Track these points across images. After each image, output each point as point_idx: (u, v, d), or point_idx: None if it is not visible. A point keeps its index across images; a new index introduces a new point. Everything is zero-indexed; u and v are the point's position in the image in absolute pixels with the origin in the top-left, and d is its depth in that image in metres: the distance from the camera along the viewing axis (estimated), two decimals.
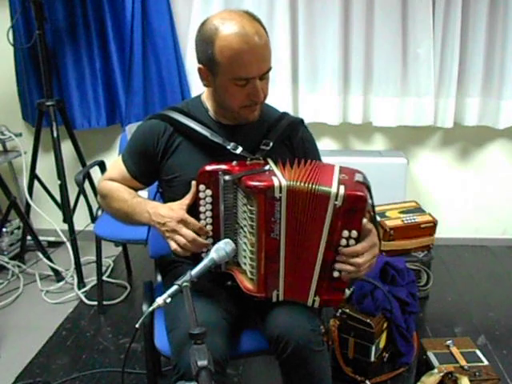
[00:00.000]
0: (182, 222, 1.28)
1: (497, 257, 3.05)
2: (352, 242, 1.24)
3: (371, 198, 1.29)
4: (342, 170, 1.32)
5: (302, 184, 1.23)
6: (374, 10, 2.69)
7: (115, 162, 1.52)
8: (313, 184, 1.23)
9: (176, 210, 1.30)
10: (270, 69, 1.31)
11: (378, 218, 2.44)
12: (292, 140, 1.46)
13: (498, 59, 2.72)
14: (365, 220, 1.24)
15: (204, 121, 1.40)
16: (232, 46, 1.23)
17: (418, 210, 2.61)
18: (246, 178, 1.25)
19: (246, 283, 1.30)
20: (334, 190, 1.21)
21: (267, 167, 1.32)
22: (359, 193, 1.21)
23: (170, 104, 1.53)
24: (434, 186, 3.08)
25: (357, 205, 1.21)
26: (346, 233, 1.23)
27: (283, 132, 1.43)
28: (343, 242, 1.24)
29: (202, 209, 1.31)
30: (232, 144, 1.37)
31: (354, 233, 1.23)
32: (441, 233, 2.61)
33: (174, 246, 1.29)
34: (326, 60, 2.80)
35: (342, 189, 1.21)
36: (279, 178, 1.24)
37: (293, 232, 1.26)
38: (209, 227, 1.32)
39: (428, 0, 2.65)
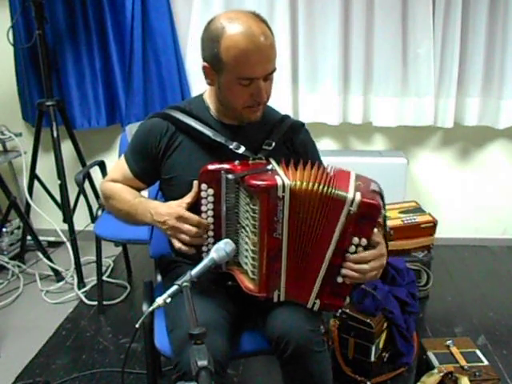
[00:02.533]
0: (181, 218, 1.28)
1: (497, 257, 3.05)
2: (360, 249, 1.24)
3: (384, 208, 1.29)
4: (358, 177, 1.31)
5: (310, 185, 1.23)
6: (374, 9, 2.69)
7: (118, 163, 1.52)
8: (326, 186, 1.22)
9: (174, 207, 1.30)
10: (274, 69, 1.32)
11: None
12: (294, 142, 1.47)
13: (498, 59, 2.72)
14: (375, 230, 1.24)
15: (206, 120, 1.40)
16: (238, 45, 1.23)
17: (418, 209, 2.61)
18: (248, 178, 1.25)
19: (247, 283, 1.30)
20: (350, 195, 1.20)
21: (270, 167, 1.32)
22: (374, 201, 1.21)
23: (170, 104, 1.52)
24: (434, 186, 3.08)
25: (371, 213, 1.21)
26: (356, 240, 1.23)
27: (285, 133, 1.44)
28: (352, 248, 1.24)
29: (203, 208, 1.31)
30: (234, 143, 1.37)
31: (364, 241, 1.23)
32: (441, 233, 2.61)
33: (177, 244, 1.30)
34: (326, 60, 2.80)
35: (358, 195, 1.20)
36: (282, 178, 1.24)
37: (296, 232, 1.26)
38: (210, 227, 1.32)
39: (428, 0, 2.65)
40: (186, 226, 1.28)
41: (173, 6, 2.81)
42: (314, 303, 1.30)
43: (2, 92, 3.01)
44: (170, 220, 1.29)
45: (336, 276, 1.26)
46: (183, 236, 1.28)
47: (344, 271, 1.25)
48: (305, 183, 1.23)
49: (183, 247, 1.29)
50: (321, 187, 1.22)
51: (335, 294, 1.29)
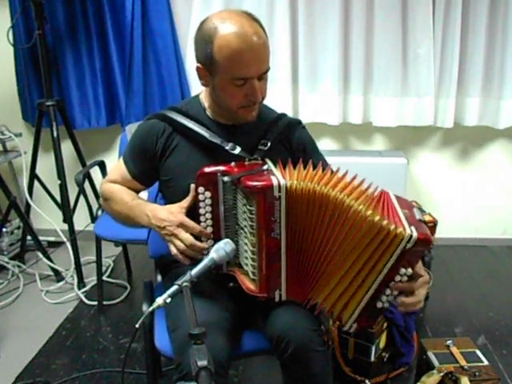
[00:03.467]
0: (182, 226, 1.28)
1: (497, 257, 3.05)
2: (405, 278, 1.23)
3: None
4: (399, 199, 1.29)
5: (313, 186, 1.22)
6: (374, 9, 2.69)
7: (117, 164, 1.52)
8: (361, 205, 1.19)
9: (175, 213, 1.30)
10: (268, 69, 1.31)
11: None
12: (290, 141, 1.46)
13: (498, 59, 2.72)
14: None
15: (202, 120, 1.40)
16: (231, 45, 1.23)
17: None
18: (244, 179, 1.24)
19: (248, 284, 1.30)
20: (408, 232, 1.17)
21: (265, 167, 1.31)
22: (429, 237, 1.19)
23: (170, 104, 1.53)
24: (434, 186, 3.08)
25: (424, 248, 1.21)
26: (402, 270, 1.22)
27: (281, 132, 1.43)
28: (397, 278, 1.23)
29: (201, 211, 1.31)
30: (230, 144, 1.37)
31: (409, 270, 1.22)
32: (441, 233, 2.61)
33: (174, 250, 1.30)
34: (326, 60, 2.80)
35: (414, 232, 1.18)
36: (278, 178, 1.23)
37: (295, 232, 1.25)
38: (209, 229, 1.32)
39: (428, 0, 2.65)
40: (184, 234, 1.28)
41: (173, 6, 2.81)
42: (351, 326, 1.29)
43: (2, 92, 3.02)
44: (171, 226, 1.28)
45: (376, 302, 1.26)
46: (179, 243, 1.28)
47: (390, 299, 1.25)
48: (307, 183, 1.22)
49: (179, 255, 1.29)
50: (339, 195, 1.20)
51: (372, 318, 1.29)
